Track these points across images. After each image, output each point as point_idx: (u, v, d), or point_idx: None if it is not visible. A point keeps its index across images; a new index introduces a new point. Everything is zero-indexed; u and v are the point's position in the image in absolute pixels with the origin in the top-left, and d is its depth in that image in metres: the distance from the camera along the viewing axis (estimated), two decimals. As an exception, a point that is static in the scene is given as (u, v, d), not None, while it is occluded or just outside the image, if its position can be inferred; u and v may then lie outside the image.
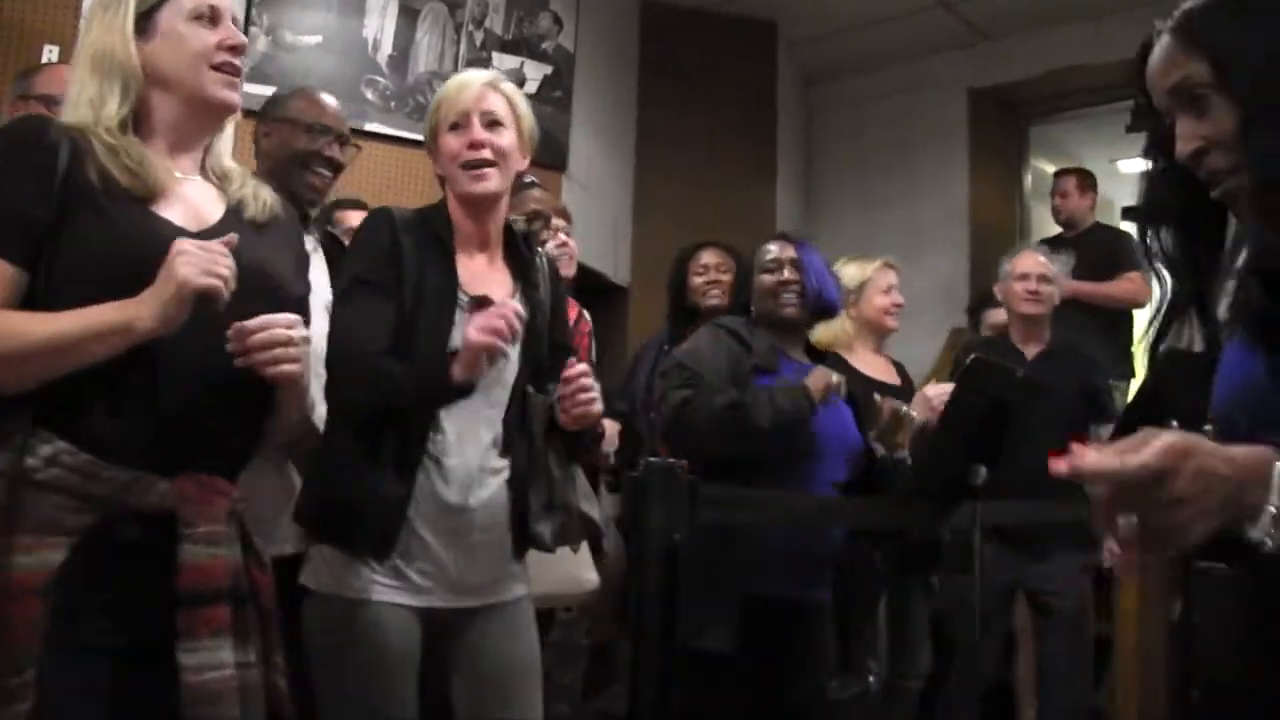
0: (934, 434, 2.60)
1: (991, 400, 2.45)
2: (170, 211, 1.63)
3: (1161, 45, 1.28)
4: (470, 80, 2.27)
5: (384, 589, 2.05)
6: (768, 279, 3.00)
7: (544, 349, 2.27)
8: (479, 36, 5.18)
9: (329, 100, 2.76)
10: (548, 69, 5.39)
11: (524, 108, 2.32)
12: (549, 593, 2.65)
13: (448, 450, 2.11)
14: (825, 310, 3.09)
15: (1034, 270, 3.91)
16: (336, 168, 2.69)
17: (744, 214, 6.09)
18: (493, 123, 2.23)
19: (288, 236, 1.86)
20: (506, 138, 2.24)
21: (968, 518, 2.44)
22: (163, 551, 1.54)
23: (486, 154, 2.20)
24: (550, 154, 5.33)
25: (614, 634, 3.94)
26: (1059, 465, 1.08)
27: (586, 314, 3.72)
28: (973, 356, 2.94)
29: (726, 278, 3.77)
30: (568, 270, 3.54)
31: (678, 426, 2.80)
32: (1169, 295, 1.40)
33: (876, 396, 2.93)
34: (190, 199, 1.69)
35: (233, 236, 1.56)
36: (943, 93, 6.54)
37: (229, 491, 1.64)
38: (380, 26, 4.84)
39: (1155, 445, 1.04)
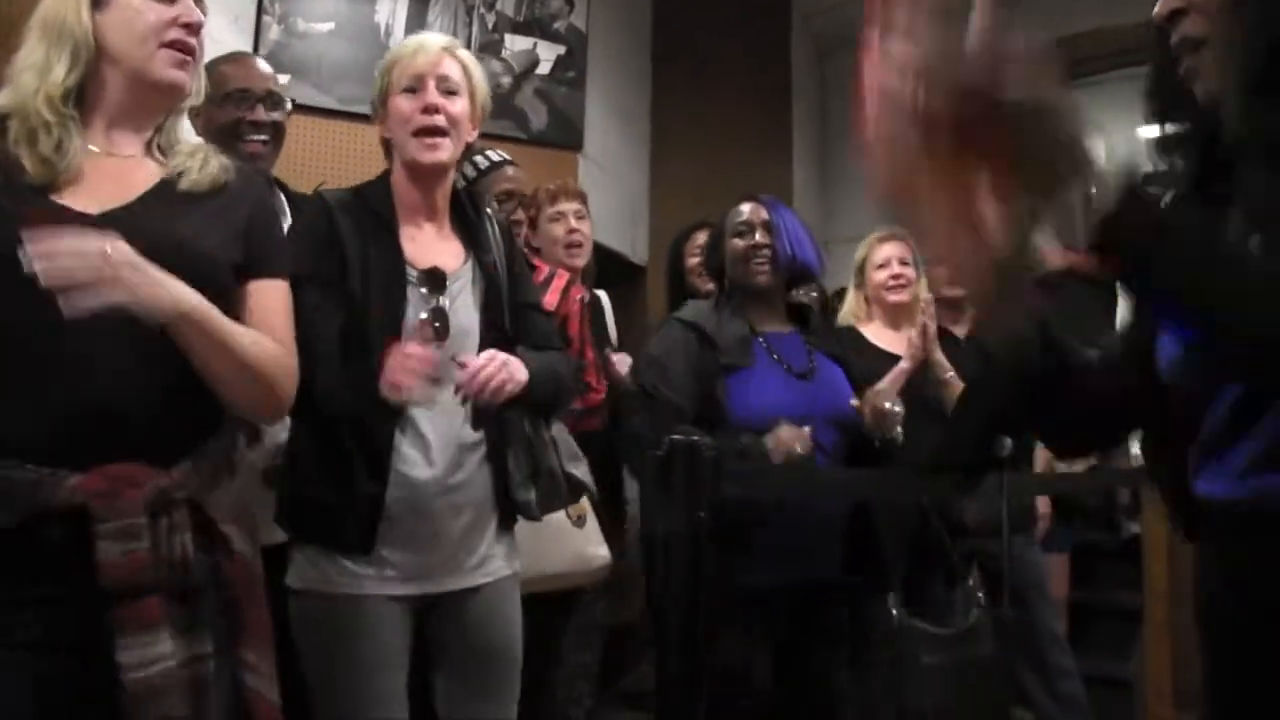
0: (957, 407, 2.58)
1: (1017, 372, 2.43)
2: (75, 196, 1.57)
3: None
4: (427, 43, 2.22)
5: (370, 581, 2.03)
6: (739, 243, 2.90)
7: (503, 314, 2.22)
8: (490, 19, 5.16)
9: (253, 61, 2.64)
10: (561, 49, 5.36)
11: (479, 76, 2.26)
12: (559, 572, 2.63)
13: (419, 432, 2.08)
14: (801, 275, 2.98)
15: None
16: (273, 129, 2.57)
17: (760, 190, 6.03)
18: (448, 90, 2.18)
19: (233, 203, 1.73)
20: (460, 105, 2.19)
21: (994, 489, 2.42)
22: (86, 549, 1.48)
23: (440, 120, 2.16)
24: (566, 134, 5.31)
25: (632, 615, 3.92)
26: None
27: (601, 293, 3.68)
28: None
29: None
30: (579, 260, 3.51)
31: (638, 458, 2.74)
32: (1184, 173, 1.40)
33: (853, 402, 2.81)
34: (110, 178, 1.62)
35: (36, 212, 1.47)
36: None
37: (147, 480, 1.53)
38: (392, 12, 4.81)
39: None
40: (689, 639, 1.62)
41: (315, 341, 1.93)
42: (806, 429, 2.60)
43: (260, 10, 4.36)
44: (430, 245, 2.20)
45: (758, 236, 2.89)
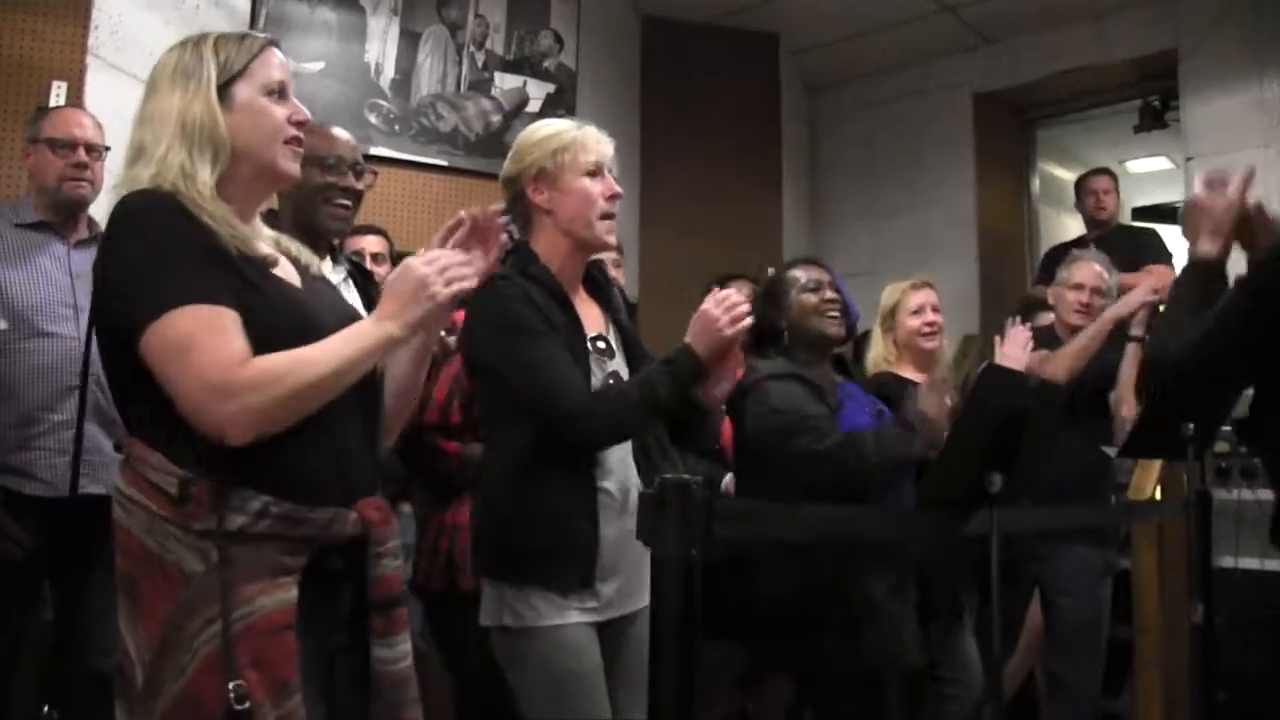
0: (948, 442, 2.58)
1: (1006, 408, 2.43)
2: (283, 270, 1.74)
3: None
4: (605, 137, 2.42)
5: (578, 612, 2.20)
6: (811, 298, 3.03)
7: (643, 365, 2.40)
8: (480, 57, 5.19)
9: (340, 133, 2.77)
10: (550, 87, 5.40)
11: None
12: None
13: (609, 475, 2.28)
14: (852, 331, 3.17)
15: (1090, 282, 3.84)
16: (357, 197, 2.70)
17: (750, 227, 6.09)
18: (615, 179, 2.38)
19: (329, 286, 1.93)
20: None
21: (985, 525, 2.41)
22: (357, 571, 1.69)
23: (616, 208, 2.36)
24: (556, 172, 5.34)
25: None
26: None
27: None
28: (986, 363, 2.93)
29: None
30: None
31: (835, 468, 2.81)
32: None
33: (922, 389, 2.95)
34: (287, 267, 1.77)
35: (456, 219, 1.91)
36: (947, 98, 6.53)
37: (388, 509, 1.75)
38: (382, 51, 4.85)
39: None
40: (684, 671, 1.63)
41: (567, 387, 2.17)
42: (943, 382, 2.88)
43: (251, 50, 4.38)
44: (585, 313, 2.36)
45: (829, 293, 3.04)
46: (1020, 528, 3.49)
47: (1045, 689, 3.87)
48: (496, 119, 5.18)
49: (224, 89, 1.72)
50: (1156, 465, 4.09)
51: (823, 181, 7.03)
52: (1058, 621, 3.72)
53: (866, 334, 3.82)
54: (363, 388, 1.69)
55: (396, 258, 3.86)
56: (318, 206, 2.56)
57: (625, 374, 2.35)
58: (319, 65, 4.63)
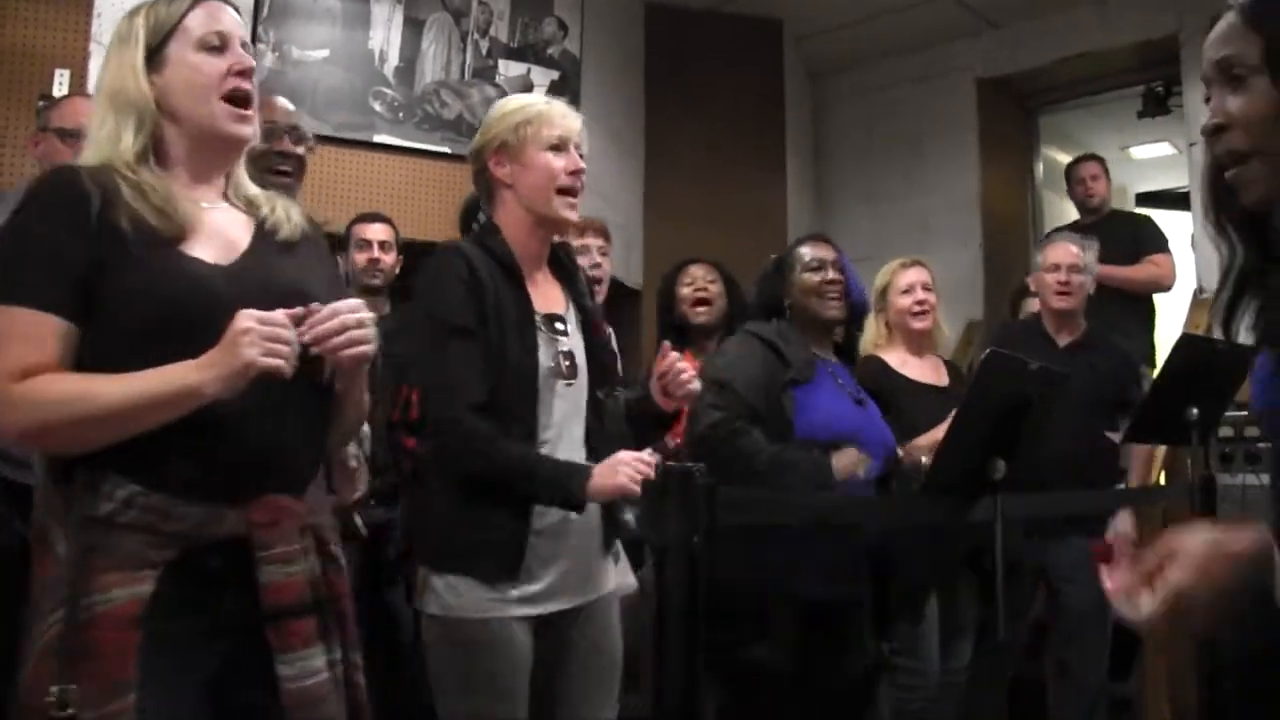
0: (951, 428, 2.58)
1: (1009, 393, 2.43)
2: (200, 247, 1.64)
3: (1225, 19, 1.28)
4: (571, 110, 2.36)
5: (507, 605, 2.15)
6: (811, 277, 3.01)
7: (607, 354, 2.40)
8: (484, 44, 5.19)
9: (275, 98, 2.78)
10: (554, 74, 5.39)
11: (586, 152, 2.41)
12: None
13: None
14: (859, 314, 3.16)
15: (1065, 260, 3.85)
16: (297, 162, 2.69)
17: (755, 213, 6.10)
18: (581, 155, 2.32)
19: (318, 252, 1.86)
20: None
21: (988, 512, 2.42)
22: (246, 574, 1.59)
23: (580, 182, 2.30)
24: (559, 159, 5.33)
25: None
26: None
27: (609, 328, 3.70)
28: (988, 350, 2.93)
29: (714, 288, 3.76)
30: (599, 295, 3.54)
31: (702, 445, 2.82)
32: (1240, 262, 1.36)
33: (900, 452, 2.96)
34: (219, 229, 1.69)
35: (296, 311, 1.59)
36: (950, 84, 6.52)
37: (298, 511, 1.66)
38: (386, 38, 4.85)
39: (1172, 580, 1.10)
40: (689, 660, 1.63)
41: (464, 394, 2.12)
42: (866, 457, 2.77)
43: (254, 38, 4.38)
44: (541, 291, 2.32)
45: (831, 273, 3.02)
46: (1024, 514, 3.50)
47: (1052, 674, 3.88)
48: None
49: (158, 50, 1.68)
50: (1160, 451, 4.09)
51: (826, 167, 7.02)
52: (1063, 609, 3.72)
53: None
54: (298, 385, 1.61)
55: (402, 245, 3.87)
56: (257, 176, 2.51)
57: (580, 356, 2.31)
58: (323, 53, 4.63)
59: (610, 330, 3.70)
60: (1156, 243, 5.20)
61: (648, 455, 2.15)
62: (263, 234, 1.75)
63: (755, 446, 2.75)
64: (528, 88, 5.26)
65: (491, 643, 2.14)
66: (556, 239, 2.44)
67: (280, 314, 1.55)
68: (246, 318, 1.51)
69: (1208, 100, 1.31)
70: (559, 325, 2.29)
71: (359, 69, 4.71)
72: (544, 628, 2.22)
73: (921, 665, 3.25)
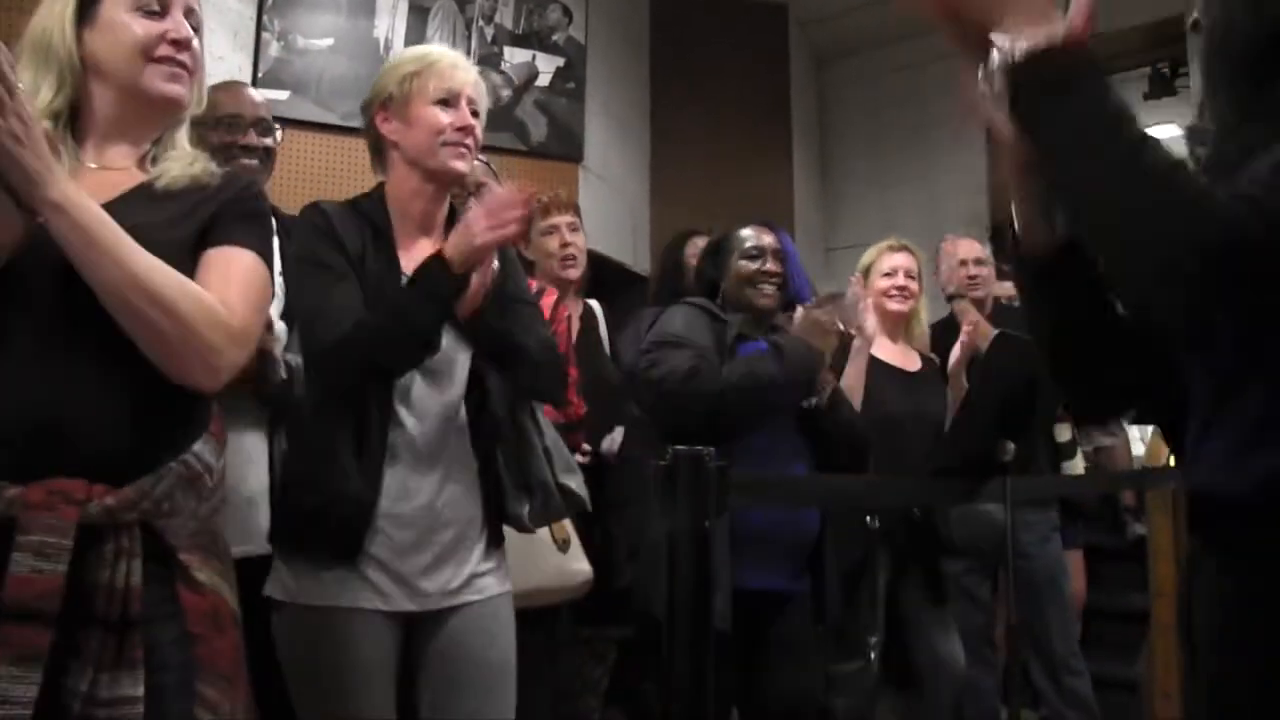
0: (960, 410, 2.59)
1: (1017, 376, 2.44)
2: None
3: None
4: (462, 62, 2.20)
5: (353, 595, 1.99)
6: (748, 265, 2.93)
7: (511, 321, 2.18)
8: (489, 31, 5.18)
9: (244, 89, 2.74)
10: (560, 61, 5.39)
11: (486, 107, 2.25)
12: (538, 587, 2.60)
13: (411, 442, 2.06)
14: (791, 304, 3.01)
15: (971, 255, 4.05)
16: (261, 153, 2.65)
17: (761, 198, 6.08)
18: (474, 112, 2.18)
19: (210, 198, 1.65)
20: (479, 130, 2.19)
21: (998, 493, 2.43)
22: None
23: (470, 140, 2.16)
24: (566, 146, 5.34)
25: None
26: None
27: (593, 303, 3.66)
28: (998, 331, 2.92)
29: None
30: (573, 273, 3.48)
31: (661, 402, 2.71)
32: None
33: (799, 310, 2.84)
34: (97, 187, 1.55)
35: None
36: (957, 65, 6.47)
37: (97, 498, 1.43)
38: (391, 26, 4.84)
39: None
40: (699, 646, 1.62)
41: (335, 314, 1.94)
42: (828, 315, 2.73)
43: (260, 28, 4.39)
44: (424, 257, 2.14)
45: (769, 264, 2.93)
46: (1032, 495, 3.51)
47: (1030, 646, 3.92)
48: (506, 94, 5.17)
49: (89, 6, 1.59)
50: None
51: (832, 152, 7.01)
52: (1021, 586, 3.75)
53: None
54: (113, 353, 1.46)
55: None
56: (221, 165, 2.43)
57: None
58: (328, 42, 4.63)
59: (596, 306, 3.68)
60: None
61: (499, 197, 2.02)
62: (142, 187, 1.62)
63: (712, 377, 2.64)
64: (533, 75, 5.26)
65: (334, 635, 1.97)
66: (461, 199, 2.30)
67: None
68: None
69: None
70: None
71: (364, 57, 4.70)
72: (411, 626, 2.07)
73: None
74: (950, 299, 4.05)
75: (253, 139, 2.62)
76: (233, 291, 1.57)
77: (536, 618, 2.65)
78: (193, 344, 1.50)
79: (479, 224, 1.96)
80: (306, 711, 2.00)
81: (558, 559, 2.69)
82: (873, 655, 3.09)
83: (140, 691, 1.40)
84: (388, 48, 4.82)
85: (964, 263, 4.03)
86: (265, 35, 4.41)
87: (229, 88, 2.73)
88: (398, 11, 4.88)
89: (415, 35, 4.90)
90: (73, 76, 1.59)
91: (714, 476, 1.60)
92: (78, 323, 1.45)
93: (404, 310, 1.96)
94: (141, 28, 1.60)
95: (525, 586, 2.37)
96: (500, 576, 2.18)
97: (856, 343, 3.23)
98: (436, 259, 1.97)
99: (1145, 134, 1.05)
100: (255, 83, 4.17)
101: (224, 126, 2.58)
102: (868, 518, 3.12)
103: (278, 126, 2.73)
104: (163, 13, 1.62)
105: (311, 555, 2.00)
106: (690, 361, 2.66)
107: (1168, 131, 7.29)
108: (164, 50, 1.60)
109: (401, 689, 2.08)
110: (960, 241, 4.13)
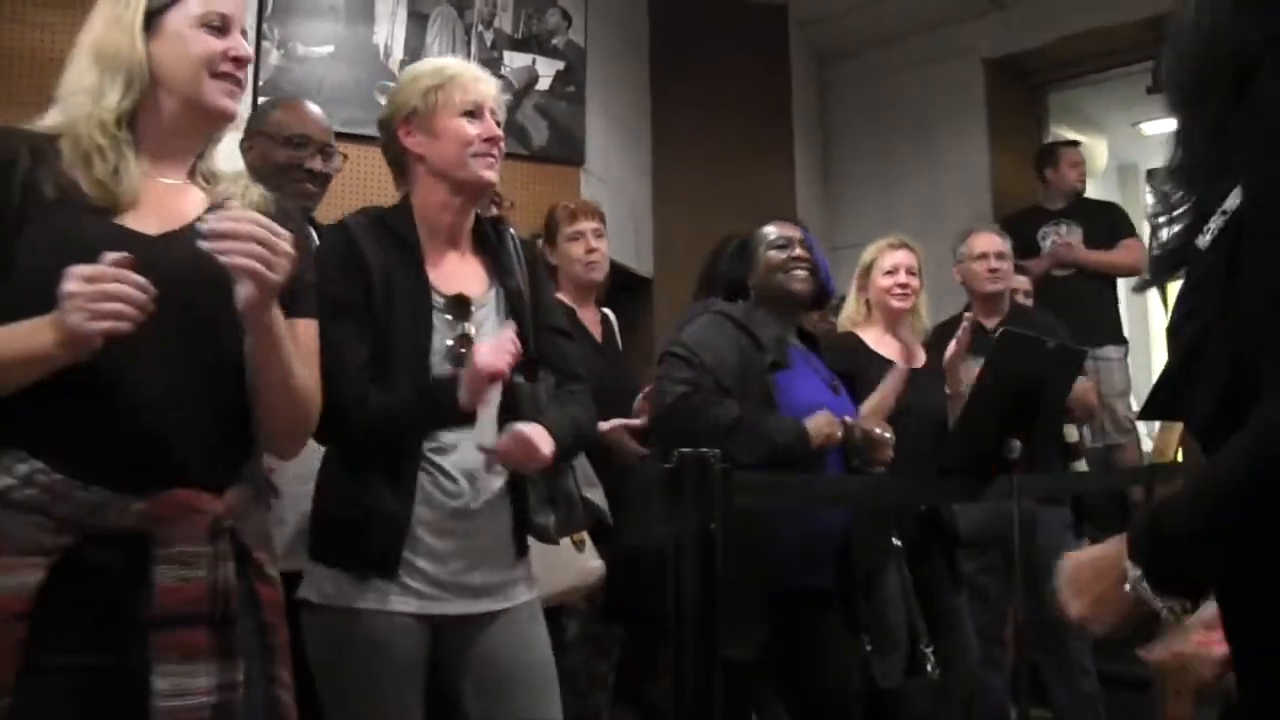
0: (965, 409, 2.58)
1: (1024, 373, 2.43)
2: (135, 217, 1.60)
3: None
4: (483, 74, 2.26)
5: (386, 598, 2.02)
6: (777, 254, 2.95)
7: (528, 340, 2.21)
8: (489, 36, 5.18)
9: (313, 111, 2.73)
10: (560, 65, 5.38)
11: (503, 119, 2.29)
12: (564, 589, 2.70)
13: (445, 453, 2.09)
14: (821, 296, 3.07)
15: (992, 249, 4.06)
16: (321, 179, 2.66)
17: (763, 199, 6.06)
18: (497, 123, 2.22)
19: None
20: (503, 141, 2.23)
21: (1005, 492, 2.42)
22: (141, 573, 1.50)
23: (497, 150, 2.19)
24: (567, 149, 5.33)
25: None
26: None
27: (608, 311, 3.68)
28: (1002, 329, 2.91)
29: None
30: (597, 276, 3.52)
31: (669, 419, 2.75)
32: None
33: (847, 419, 2.83)
34: (164, 202, 1.65)
35: (124, 255, 1.44)
36: (958, 64, 6.47)
37: (211, 508, 1.57)
38: (390, 33, 4.84)
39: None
40: (706, 647, 1.62)
41: (342, 374, 1.96)
42: (841, 421, 2.73)
43: (260, 35, 4.38)
44: (455, 271, 2.20)
45: (798, 250, 2.96)
46: (1040, 493, 3.50)
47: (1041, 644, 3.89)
48: (506, 98, 5.15)
49: (155, 16, 1.64)
50: (1177, 428, 4.08)
51: (834, 152, 6.99)
52: (1036, 584, 3.72)
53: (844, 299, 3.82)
54: (213, 368, 1.57)
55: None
56: (280, 185, 2.39)
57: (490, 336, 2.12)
58: (328, 49, 4.62)
59: (611, 314, 3.69)
60: (1130, 228, 5.47)
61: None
62: (213, 209, 1.66)
63: (729, 414, 2.66)
64: (533, 79, 5.25)
65: (369, 637, 2.01)
66: (490, 214, 2.34)
67: (109, 267, 1.41)
68: (73, 278, 1.40)
69: None
70: (466, 307, 2.15)
71: (364, 64, 4.70)
72: (443, 632, 2.09)
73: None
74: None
75: (318, 164, 2.65)
76: (315, 366, 1.77)
77: (545, 616, 2.68)
78: (306, 424, 1.78)
79: (484, 358, 1.99)
80: (336, 713, 2.05)
81: (577, 559, 2.76)
82: (930, 666, 3.06)
83: (240, 677, 1.55)
84: (387, 54, 4.82)
85: (984, 255, 4.05)
86: (265, 43, 4.41)
87: (294, 107, 2.74)
88: (397, 18, 4.87)
89: (415, 42, 4.90)
90: (140, 83, 1.63)
91: (719, 478, 1.59)
92: (193, 340, 1.58)
93: (405, 414, 2.04)
94: (206, 43, 1.66)
95: (552, 590, 2.43)
96: (529, 584, 2.23)
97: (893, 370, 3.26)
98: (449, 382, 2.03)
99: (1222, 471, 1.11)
100: (256, 91, 4.17)
101: (292, 146, 2.60)
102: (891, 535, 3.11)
103: (339, 155, 2.73)
104: (224, 30, 1.68)
105: (348, 566, 2.05)
106: (684, 387, 2.72)
107: (1168, 126, 7.28)
108: (225, 66, 1.68)
109: (431, 694, 2.12)
110: (980, 235, 4.15)
